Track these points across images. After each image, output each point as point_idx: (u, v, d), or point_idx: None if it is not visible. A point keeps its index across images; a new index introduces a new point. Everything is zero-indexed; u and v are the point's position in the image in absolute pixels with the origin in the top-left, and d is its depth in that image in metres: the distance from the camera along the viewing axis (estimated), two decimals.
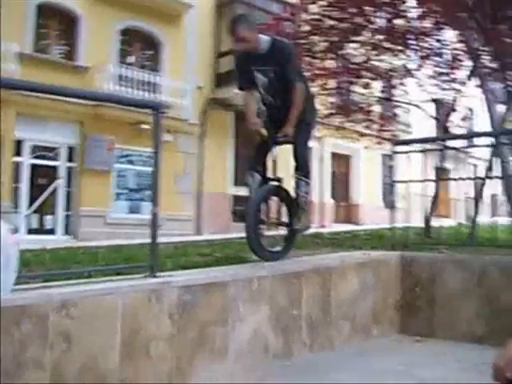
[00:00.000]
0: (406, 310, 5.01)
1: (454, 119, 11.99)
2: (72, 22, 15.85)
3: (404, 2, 10.19)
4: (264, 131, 4.66)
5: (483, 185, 8.52)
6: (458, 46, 10.99)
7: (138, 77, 16.24)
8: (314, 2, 11.07)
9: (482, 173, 10.25)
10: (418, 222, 8.28)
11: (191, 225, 17.48)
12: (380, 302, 4.86)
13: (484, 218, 8.95)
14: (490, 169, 8.37)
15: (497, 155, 8.05)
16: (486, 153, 9.74)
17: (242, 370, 3.66)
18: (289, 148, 4.67)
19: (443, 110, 12.27)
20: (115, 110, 14.45)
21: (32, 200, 14.79)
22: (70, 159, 15.72)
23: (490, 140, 7.60)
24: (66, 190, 15.59)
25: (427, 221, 8.47)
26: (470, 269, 4.76)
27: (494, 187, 5.93)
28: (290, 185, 4.75)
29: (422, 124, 19.76)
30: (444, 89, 11.81)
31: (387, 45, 10.97)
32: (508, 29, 9.12)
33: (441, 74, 11.61)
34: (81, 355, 2.90)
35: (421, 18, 10.36)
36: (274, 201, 4.78)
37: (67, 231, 15.45)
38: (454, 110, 10.52)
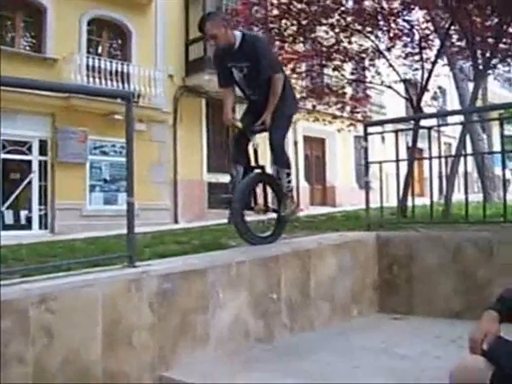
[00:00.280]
0: (385, 288, 5.07)
1: (425, 99, 12.08)
2: (38, 13, 15.61)
3: None
4: (239, 124, 4.76)
5: (456, 162, 8.62)
6: (427, 25, 11.08)
7: (107, 67, 16.06)
8: None
9: (454, 151, 10.37)
10: (394, 202, 8.35)
11: (168, 214, 17.44)
12: (358, 282, 4.92)
13: (458, 195, 9.07)
14: (462, 146, 8.46)
15: (469, 132, 8.15)
16: (459, 131, 9.86)
17: (224, 355, 3.68)
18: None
19: (415, 89, 12.36)
20: (87, 101, 14.32)
21: (5, 196, 14.60)
22: (43, 153, 15.54)
23: (460, 118, 7.69)
24: (40, 185, 15.42)
25: (402, 200, 8.55)
26: (445, 246, 4.83)
27: (466, 164, 6.04)
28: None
29: (398, 104, 19.92)
30: (416, 69, 11.91)
31: (357, 26, 11.02)
32: (475, 7, 9.20)
33: (410, 54, 11.71)
34: (63, 348, 2.90)
35: None
36: (259, 188, 4.86)
37: (43, 225, 15.32)
38: (425, 90, 10.59)
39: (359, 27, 10.99)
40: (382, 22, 11.02)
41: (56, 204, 15.21)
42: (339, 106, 13.60)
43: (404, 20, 11.11)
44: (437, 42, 10.98)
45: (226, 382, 3.26)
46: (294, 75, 11.94)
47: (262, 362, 3.59)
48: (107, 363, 3.08)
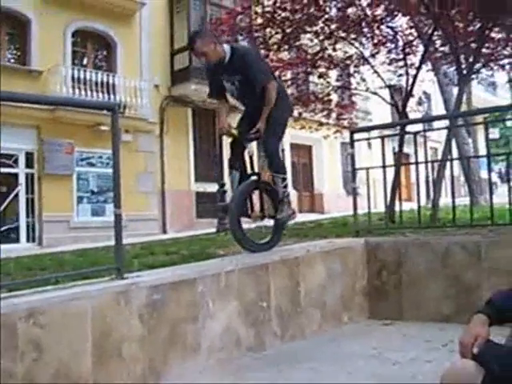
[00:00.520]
0: (374, 294, 5.09)
1: (411, 104, 12.15)
2: (22, 25, 15.56)
3: None
4: (234, 131, 4.83)
5: (442, 167, 8.65)
6: (410, 31, 11.15)
7: (93, 78, 16.01)
8: None
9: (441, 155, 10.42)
10: (381, 207, 8.38)
11: (156, 224, 17.37)
12: (348, 289, 4.92)
13: (445, 199, 9.10)
14: (448, 151, 8.51)
15: (454, 137, 8.19)
16: (444, 135, 9.91)
17: (215, 364, 3.67)
18: None
19: (399, 95, 12.42)
20: (72, 112, 14.27)
21: None
22: (29, 165, 15.45)
23: (445, 123, 7.73)
24: (27, 197, 15.32)
25: (390, 206, 8.58)
26: (433, 250, 4.86)
27: (453, 169, 6.05)
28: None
29: (384, 110, 20.01)
30: (400, 75, 11.96)
31: (341, 34, 11.07)
32: (457, 13, 9.28)
33: (395, 60, 11.77)
34: (53, 362, 2.88)
35: (371, 5, 10.48)
36: (256, 194, 4.90)
37: (31, 238, 15.21)
38: (410, 95, 10.65)
39: (343, 34, 11.04)
40: (365, 29, 11.09)
41: (44, 216, 15.11)
42: (325, 112, 13.65)
43: (388, 26, 11.17)
44: (421, 48, 11.03)
45: None
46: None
47: (253, 371, 3.58)
48: (98, 376, 3.06)
